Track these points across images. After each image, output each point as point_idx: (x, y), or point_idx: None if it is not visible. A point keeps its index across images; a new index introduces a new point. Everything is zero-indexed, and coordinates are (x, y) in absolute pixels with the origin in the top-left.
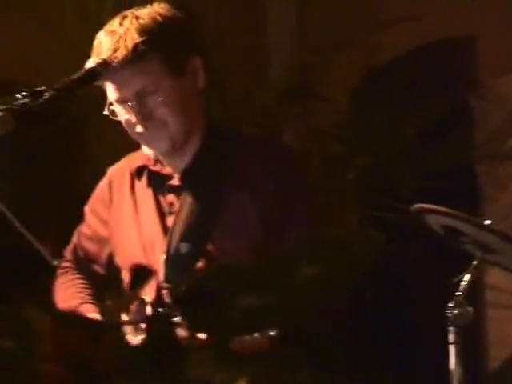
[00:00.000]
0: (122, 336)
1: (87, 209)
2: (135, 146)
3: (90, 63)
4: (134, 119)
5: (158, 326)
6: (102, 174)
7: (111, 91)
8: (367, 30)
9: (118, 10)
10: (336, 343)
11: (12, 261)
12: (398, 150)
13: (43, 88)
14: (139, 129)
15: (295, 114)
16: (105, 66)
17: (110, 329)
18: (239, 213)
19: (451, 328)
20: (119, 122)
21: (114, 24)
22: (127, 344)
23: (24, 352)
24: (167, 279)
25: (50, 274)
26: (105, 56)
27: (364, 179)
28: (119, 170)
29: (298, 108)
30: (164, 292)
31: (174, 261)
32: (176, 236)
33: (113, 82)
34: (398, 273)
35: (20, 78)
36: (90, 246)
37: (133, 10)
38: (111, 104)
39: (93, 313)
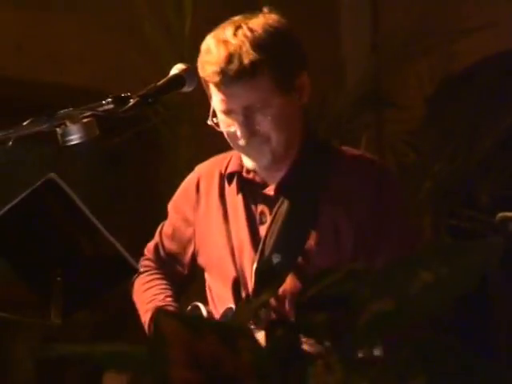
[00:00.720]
0: (255, 341)
1: (171, 206)
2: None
3: (174, 70)
4: (238, 132)
5: (282, 332)
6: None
7: (219, 101)
8: (443, 38)
9: (196, 20)
10: (448, 348)
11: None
12: (475, 158)
13: (128, 94)
14: (242, 142)
15: (370, 122)
16: (189, 73)
17: (243, 333)
18: (332, 228)
19: None
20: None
21: (227, 33)
22: (260, 348)
23: (156, 358)
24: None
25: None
26: (218, 67)
27: (441, 187)
28: (208, 171)
29: (373, 116)
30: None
31: (264, 270)
32: (268, 246)
33: (222, 93)
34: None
35: (101, 87)
36: (172, 246)
37: (245, 19)
38: (215, 114)
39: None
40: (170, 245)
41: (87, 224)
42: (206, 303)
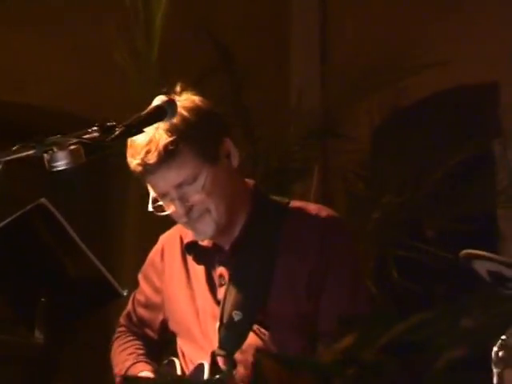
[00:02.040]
0: (349, 380)
1: (141, 276)
2: None
3: (156, 101)
4: (177, 211)
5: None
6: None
7: (152, 187)
8: (393, 74)
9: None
10: None
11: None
12: (423, 192)
13: (114, 123)
14: (184, 219)
15: (320, 154)
16: (170, 104)
17: (337, 372)
18: (287, 281)
19: (495, 370)
20: None
21: None
22: None
23: None
24: (221, 346)
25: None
26: (139, 159)
27: (389, 218)
28: (170, 239)
29: (321, 148)
30: (219, 358)
31: (227, 328)
32: (228, 305)
33: (152, 180)
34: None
35: (62, 106)
36: (144, 313)
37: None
38: (155, 200)
39: (146, 371)
40: (142, 312)
41: (75, 248)
42: None
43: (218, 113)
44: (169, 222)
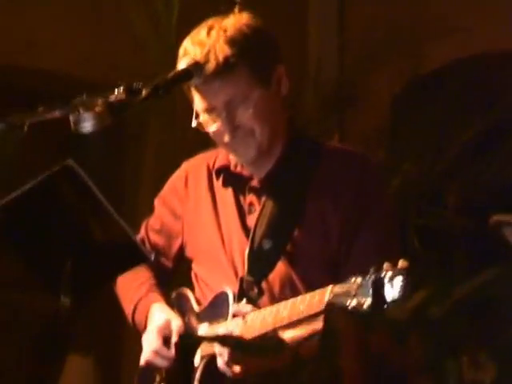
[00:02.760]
0: (425, 339)
1: (158, 201)
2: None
3: (182, 63)
4: (222, 129)
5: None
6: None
7: (200, 100)
8: (415, 39)
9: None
10: None
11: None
12: (444, 159)
13: (140, 85)
14: (227, 138)
15: (338, 123)
16: (196, 67)
17: (414, 331)
18: (319, 218)
19: None
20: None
21: (201, 34)
22: (429, 346)
23: (328, 349)
24: (249, 272)
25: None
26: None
27: (409, 185)
28: (195, 166)
29: (340, 117)
30: (247, 284)
31: (256, 255)
32: (258, 233)
33: (202, 91)
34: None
35: (75, 72)
36: (158, 239)
37: (217, 20)
38: (197, 116)
39: (159, 301)
40: (156, 239)
41: (101, 210)
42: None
43: (275, 38)
44: None
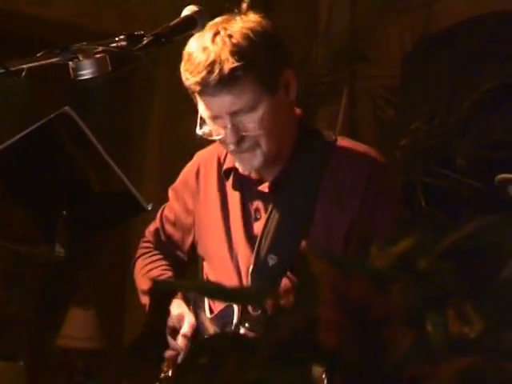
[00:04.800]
0: (408, 285)
1: (172, 192)
2: None
3: (185, 11)
4: (228, 138)
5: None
6: None
7: (205, 108)
8: None
9: None
10: None
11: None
12: (453, 119)
13: (141, 33)
14: (232, 147)
15: (348, 78)
16: (200, 14)
17: (396, 277)
18: (325, 226)
19: None
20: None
21: (206, 38)
22: (413, 294)
23: (304, 297)
24: None
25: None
26: (198, 78)
27: (417, 145)
28: (207, 159)
29: (349, 72)
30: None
31: (260, 273)
32: (264, 246)
33: (207, 101)
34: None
35: (77, 21)
36: (173, 231)
37: (223, 23)
38: (203, 122)
39: (178, 298)
40: (171, 230)
41: (99, 159)
42: None
43: (283, 40)
44: (191, 143)
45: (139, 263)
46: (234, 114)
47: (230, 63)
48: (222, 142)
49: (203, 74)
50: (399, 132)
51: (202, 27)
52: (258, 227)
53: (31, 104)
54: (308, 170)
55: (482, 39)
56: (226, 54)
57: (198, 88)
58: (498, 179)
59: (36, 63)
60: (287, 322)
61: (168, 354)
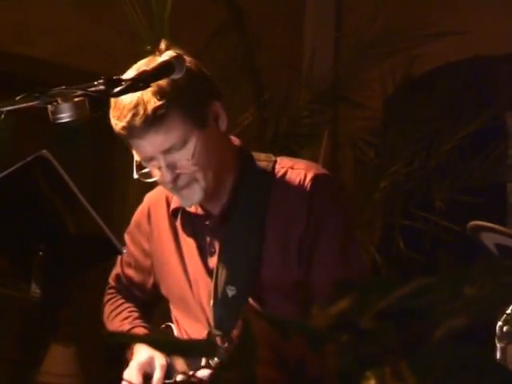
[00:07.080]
0: (341, 346)
1: (127, 237)
2: None
3: (164, 56)
4: (164, 178)
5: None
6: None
7: (137, 151)
8: (408, 41)
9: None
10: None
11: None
12: (432, 162)
13: (119, 77)
14: (170, 185)
15: (329, 120)
16: (178, 60)
17: (331, 338)
18: (278, 248)
19: (498, 345)
20: None
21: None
22: (346, 354)
23: (243, 355)
24: (217, 325)
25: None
26: (124, 122)
27: (396, 187)
28: (156, 200)
29: (331, 115)
30: (216, 338)
31: (222, 305)
32: (221, 279)
33: (138, 142)
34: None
35: (64, 60)
36: (134, 274)
37: (145, 65)
38: (140, 167)
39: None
40: (131, 274)
41: (75, 202)
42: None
43: (207, 74)
44: None
45: (106, 309)
46: (166, 153)
47: (152, 103)
48: (160, 182)
49: (128, 117)
50: (379, 174)
51: (180, 72)
52: (213, 261)
53: (16, 142)
54: (252, 199)
55: (460, 84)
56: (148, 96)
57: (126, 132)
58: (470, 226)
59: (15, 106)
60: (227, 379)
61: None
